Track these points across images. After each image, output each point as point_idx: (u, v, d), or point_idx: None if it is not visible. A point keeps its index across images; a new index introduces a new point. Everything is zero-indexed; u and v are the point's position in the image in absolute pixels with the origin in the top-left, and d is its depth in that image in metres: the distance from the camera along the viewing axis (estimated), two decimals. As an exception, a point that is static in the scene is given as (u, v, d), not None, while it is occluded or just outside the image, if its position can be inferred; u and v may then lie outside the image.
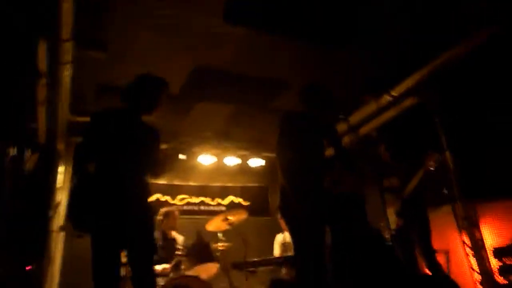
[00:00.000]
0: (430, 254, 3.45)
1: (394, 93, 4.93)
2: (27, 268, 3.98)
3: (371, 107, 5.26)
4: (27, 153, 4.17)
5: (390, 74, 4.76)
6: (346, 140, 5.30)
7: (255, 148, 6.46)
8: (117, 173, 2.44)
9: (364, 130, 5.62)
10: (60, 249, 4.91)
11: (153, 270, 2.54)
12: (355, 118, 5.45)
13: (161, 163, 2.72)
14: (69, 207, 2.41)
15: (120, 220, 2.35)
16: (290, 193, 2.70)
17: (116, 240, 2.37)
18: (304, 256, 2.66)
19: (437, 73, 4.47)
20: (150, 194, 2.75)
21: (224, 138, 6.07)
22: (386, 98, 5.01)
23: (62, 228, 4.97)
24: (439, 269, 3.41)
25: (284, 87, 5.06)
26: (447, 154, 4.74)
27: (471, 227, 4.41)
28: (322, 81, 4.96)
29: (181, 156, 2.79)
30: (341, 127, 4.92)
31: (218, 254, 4.47)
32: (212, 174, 6.61)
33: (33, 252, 4.12)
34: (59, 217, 5.01)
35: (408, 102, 5.00)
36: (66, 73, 3.93)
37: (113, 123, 2.57)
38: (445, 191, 4.43)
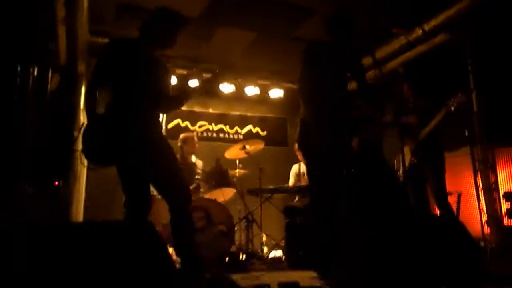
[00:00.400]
0: (441, 195, 3.49)
1: (426, 28, 4.67)
2: (55, 183, 4.21)
3: (400, 41, 5.02)
4: (49, 74, 4.22)
5: (420, 7, 4.47)
6: (370, 74, 5.16)
7: (276, 78, 6.37)
8: (126, 107, 2.43)
9: (390, 65, 5.43)
10: (85, 167, 5.18)
11: (182, 189, 2.54)
12: (381, 52, 5.25)
13: (170, 99, 2.66)
14: (82, 142, 2.42)
15: (134, 155, 2.38)
16: (312, 123, 2.71)
17: (135, 173, 2.43)
18: (318, 187, 2.74)
19: (474, 9, 4.17)
20: (160, 127, 2.70)
21: (245, 66, 5.98)
22: (418, 32, 4.76)
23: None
24: (448, 209, 3.47)
25: (310, 14, 4.83)
26: (474, 95, 4.60)
27: (487, 170, 4.42)
28: (350, 10, 4.71)
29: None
30: (366, 60, 4.73)
31: (235, 180, 4.67)
32: (232, 103, 6.64)
33: (59, 169, 4.35)
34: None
35: (439, 39, 4.76)
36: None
37: (125, 54, 2.50)
38: (466, 133, 4.37)
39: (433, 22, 4.59)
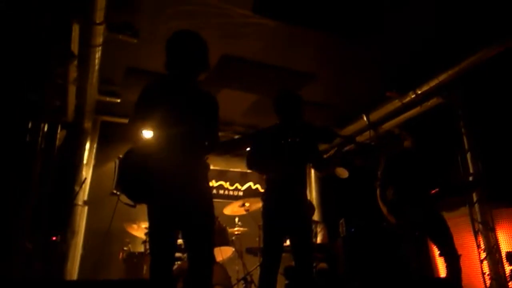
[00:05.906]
0: (451, 258, 3.40)
1: (419, 91, 4.90)
2: (52, 238, 4.20)
3: (394, 104, 5.24)
4: (58, 131, 4.36)
5: (414, 72, 4.74)
6: (365, 135, 5.33)
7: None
8: (171, 147, 2.21)
9: (386, 126, 5.61)
10: (83, 222, 5.17)
11: (210, 254, 2.35)
12: (376, 115, 5.46)
13: (218, 138, 2.41)
14: (122, 175, 2.28)
15: (174, 199, 2.18)
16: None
17: (171, 219, 2.20)
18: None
19: (466, 74, 4.42)
20: (207, 171, 2.39)
21: (246, 125, 6.15)
22: (411, 96, 4.99)
23: (85, 203, 5.23)
24: (455, 274, 3.35)
25: (311, 78, 5.08)
26: (468, 156, 4.71)
27: (487, 231, 4.39)
28: (348, 75, 5.01)
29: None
30: (361, 123, 4.90)
31: (233, 238, 4.61)
32: (232, 160, 6.72)
33: (58, 224, 4.34)
34: (84, 192, 5.26)
35: (432, 102, 4.98)
36: (97, 55, 4.07)
37: (162, 92, 2.30)
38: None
39: (425, 87, 4.82)
